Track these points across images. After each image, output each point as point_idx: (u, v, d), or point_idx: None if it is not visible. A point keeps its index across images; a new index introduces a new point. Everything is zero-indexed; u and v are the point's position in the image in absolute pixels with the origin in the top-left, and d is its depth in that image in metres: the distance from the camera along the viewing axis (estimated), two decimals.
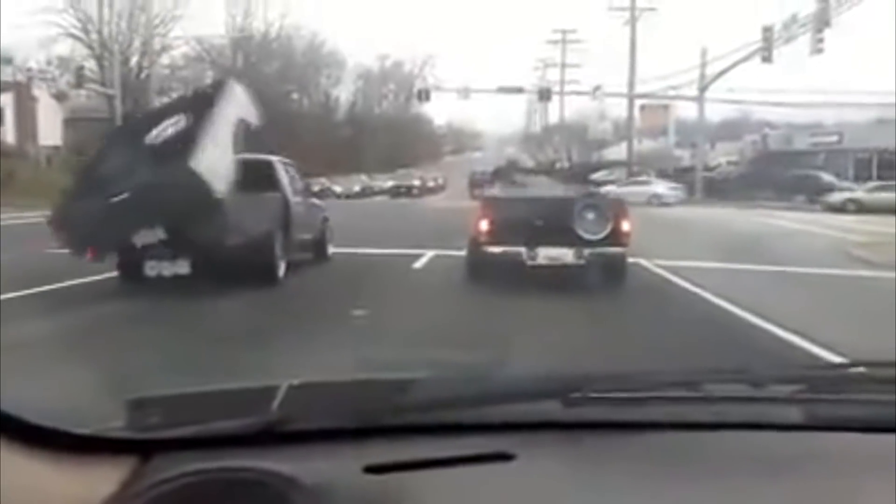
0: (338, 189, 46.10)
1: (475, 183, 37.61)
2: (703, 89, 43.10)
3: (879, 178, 39.45)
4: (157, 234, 9.76)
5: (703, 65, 42.77)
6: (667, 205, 35.67)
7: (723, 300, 9.66)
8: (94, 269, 10.30)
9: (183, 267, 10.08)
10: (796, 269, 13.28)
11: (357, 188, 49.92)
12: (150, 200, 9.57)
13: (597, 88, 48.30)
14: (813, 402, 1.46)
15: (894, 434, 1.30)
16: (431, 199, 46.43)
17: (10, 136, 40.20)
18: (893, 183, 34.82)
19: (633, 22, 48.42)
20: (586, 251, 10.59)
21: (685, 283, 11.20)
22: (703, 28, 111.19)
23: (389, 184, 53.50)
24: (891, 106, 39.34)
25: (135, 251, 9.94)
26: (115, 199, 9.49)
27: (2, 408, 1.12)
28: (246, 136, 11.41)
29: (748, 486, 1.21)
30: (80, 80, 43.23)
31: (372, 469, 1.20)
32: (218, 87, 12.40)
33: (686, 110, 52.58)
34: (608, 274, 10.62)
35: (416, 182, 55.18)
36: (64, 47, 50.84)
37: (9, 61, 41.82)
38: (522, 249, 10.63)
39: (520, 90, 50.94)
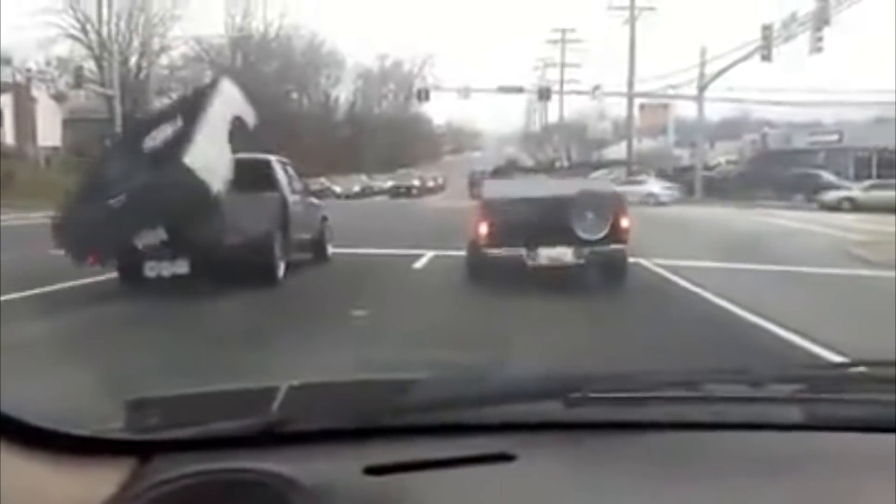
0: (337, 189, 46.11)
1: (475, 182, 37.61)
2: (702, 88, 43.10)
3: (879, 176, 39.47)
4: (158, 235, 9.76)
5: (703, 64, 42.80)
6: (662, 204, 35.65)
7: (723, 300, 9.66)
8: (95, 270, 10.29)
9: (182, 267, 10.08)
10: (797, 268, 13.27)
11: (357, 188, 49.93)
12: (148, 201, 9.59)
13: (596, 88, 48.31)
14: (813, 402, 1.46)
15: (894, 434, 1.29)
16: (431, 198, 46.42)
17: (9, 137, 40.17)
18: (888, 181, 34.92)
19: (632, 21, 48.44)
20: (586, 250, 10.57)
21: (685, 283, 11.19)
22: (703, 27, 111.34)
23: (389, 184, 53.46)
24: (890, 104, 39.36)
25: (135, 252, 9.95)
26: (114, 202, 9.51)
27: (1, 409, 1.12)
28: (242, 134, 11.42)
29: (748, 486, 1.21)
30: (79, 80, 43.25)
31: (372, 470, 1.20)
32: (212, 86, 12.41)
33: (685, 109, 52.57)
34: (609, 272, 10.61)
35: (416, 182, 55.14)
36: (63, 48, 50.93)
37: (8, 62, 41.78)
38: (523, 251, 10.60)
39: (519, 90, 50.89)
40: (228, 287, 9.70)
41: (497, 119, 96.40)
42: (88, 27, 50.43)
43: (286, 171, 12.69)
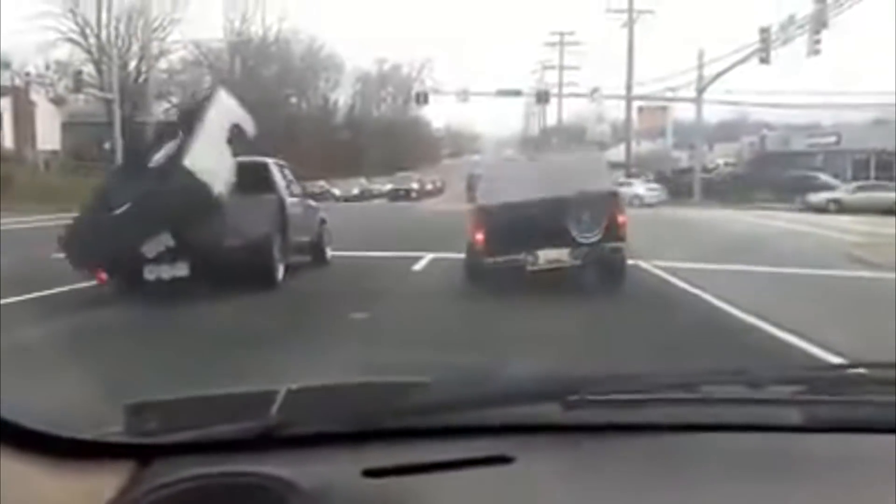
0: (337, 192, 46.06)
1: (473, 186, 37.53)
2: (700, 91, 43.14)
3: (877, 178, 39.55)
4: (164, 242, 9.86)
5: (701, 66, 42.83)
6: (648, 205, 35.73)
7: (723, 302, 9.64)
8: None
9: (182, 270, 10.12)
10: (796, 270, 13.27)
11: (356, 191, 49.91)
12: (150, 208, 9.70)
13: (595, 90, 48.38)
14: (812, 404, 1.46)
15: (894, 435, 1.29)
16: (430, 201, 46.40)
17: (8, 141, 40.21)
18: (874, 183, 34.99)
19: (630, 24, 48.47)
20: (584, 250, 10.54)
21: (684, 285, 11.19)
22: (701, 30, 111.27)
23: (388, 187, 53.41)
24: (889, 106, 39.43)
25: (135, 256, 9.99)
26: (117, 212, 9.63)
27: (1, 413, 1.12)
28: (241, 141, 11.55)
29: (748, 487, 1.21)
30: (78, 84, 43.24)
31: (371, 473, 1.20)
32: (209, 97, 12.60)
33: (684, 112, 52.63)
34: (608, 272, 10.59)
35: (415, 185, 55.07)
36: (62, 52, 50.91)
37: (7, 66, 41.86)
38: (522, 255, 10.51)
39: (518, 93, 50.92)
40: (227, 290, 9.70)
41: (496, 122, 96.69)
42: (88, 31, 50.49)
43: (283, 174, 12.71)
